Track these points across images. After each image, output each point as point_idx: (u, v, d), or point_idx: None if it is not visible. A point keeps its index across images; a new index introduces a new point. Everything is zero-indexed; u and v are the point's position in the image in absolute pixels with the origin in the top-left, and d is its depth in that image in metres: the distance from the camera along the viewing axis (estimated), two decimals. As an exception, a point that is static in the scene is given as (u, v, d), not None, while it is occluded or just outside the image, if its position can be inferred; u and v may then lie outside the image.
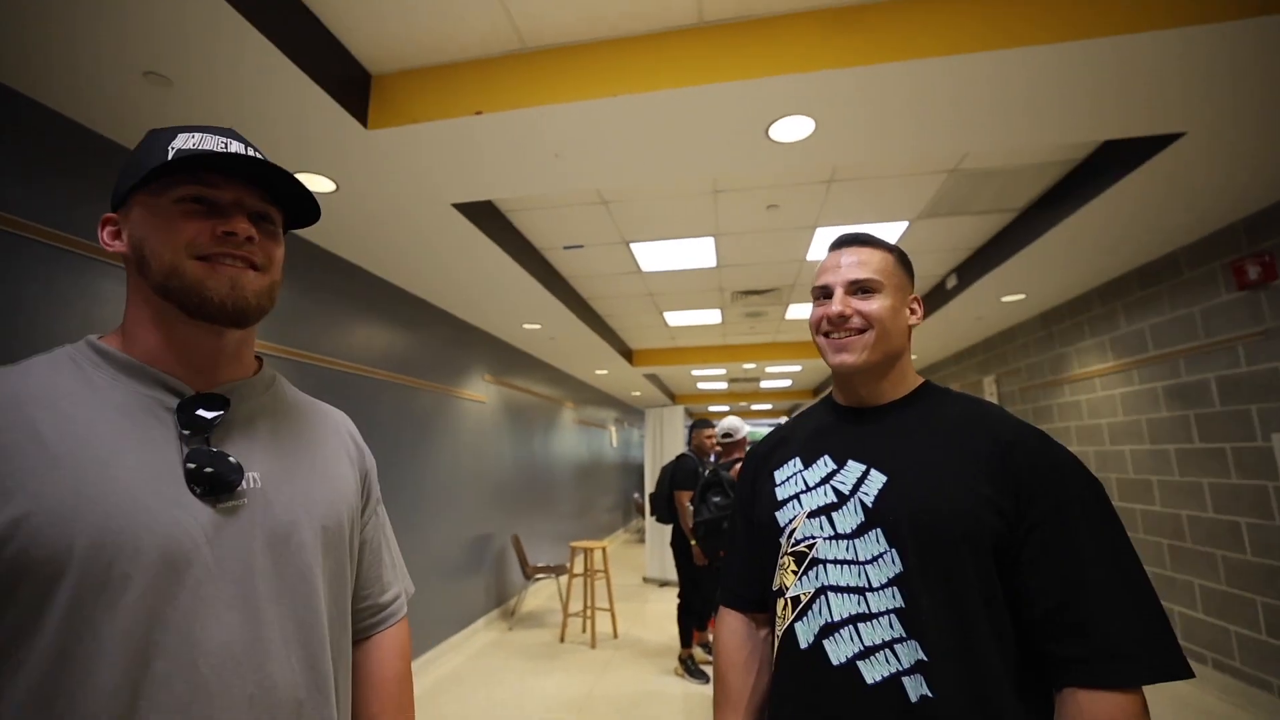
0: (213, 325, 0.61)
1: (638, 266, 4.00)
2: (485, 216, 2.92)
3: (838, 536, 0.78)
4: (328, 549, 0.65)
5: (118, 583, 0.49)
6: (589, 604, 4.31)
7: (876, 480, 0.78)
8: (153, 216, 0.59)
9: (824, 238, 3.50)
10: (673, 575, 5.86)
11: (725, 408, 13.40)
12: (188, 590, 0.53)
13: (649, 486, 6.68)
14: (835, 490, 0.81)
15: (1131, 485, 3.69)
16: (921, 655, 0.69)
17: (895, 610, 0.72)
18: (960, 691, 0.67)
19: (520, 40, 1.87)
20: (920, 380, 0.89)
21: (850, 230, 3.38)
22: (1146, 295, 3.50)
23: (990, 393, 5.49)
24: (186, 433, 0.58)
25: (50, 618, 0.48)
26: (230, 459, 0.59)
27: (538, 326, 4.82)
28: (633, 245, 3.62)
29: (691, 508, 3.56)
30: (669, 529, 4.43)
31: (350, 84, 1.90)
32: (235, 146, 0.62)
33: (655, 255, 3.78)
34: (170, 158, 0.58)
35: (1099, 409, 3.99)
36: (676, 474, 3.83)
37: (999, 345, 5.35)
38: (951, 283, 4.20)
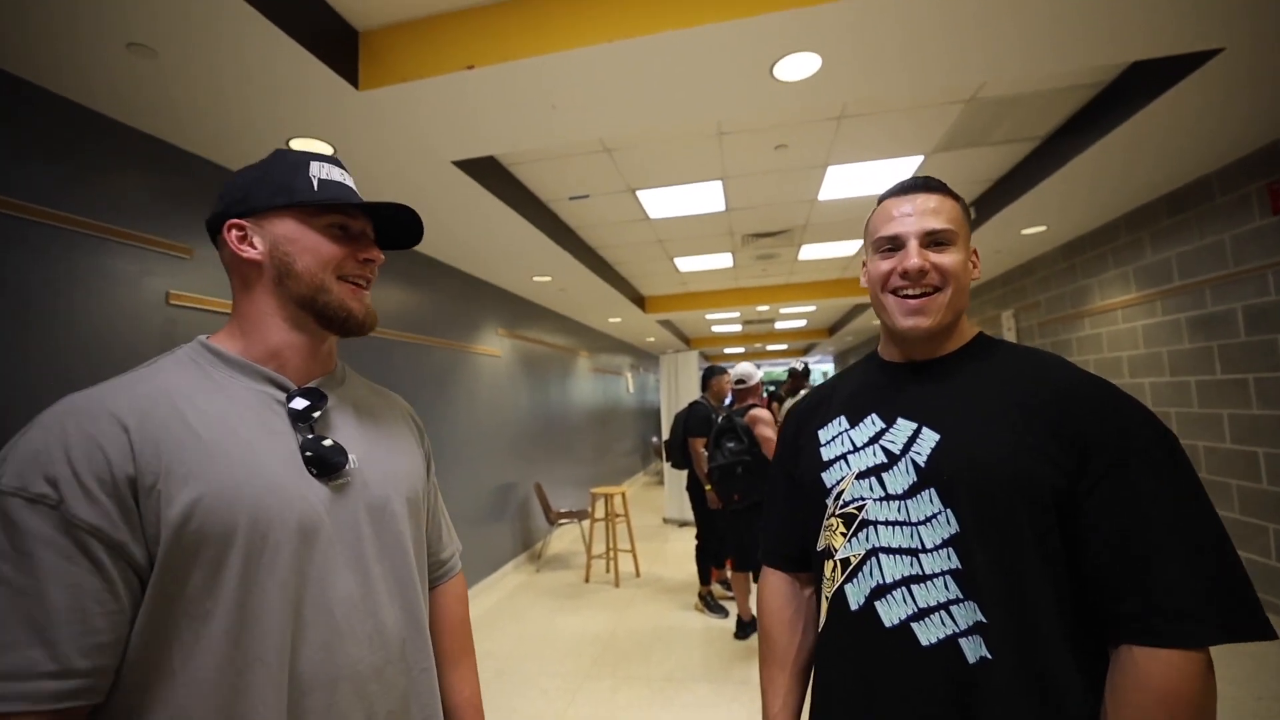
0: (336, 334, 0.73)
1: (645, 214, 3.93)
2: (488, 172, 2.86)
3: (889, 497, 0.75)
4: (412, 516, 0.76)
5: (273, 548, 0.60)
6: (611, 546, 4.49)
7: (929, 439, 0.74)
8: (305, 236, 0.68)
9: (835, 176, 3.39)
10: (691, 516, 6.05)
11: (740, 349, 13.40)
12: (320, 552, 0.64)
13: (665, 432, 6.80)
14: (885, 450, 0.78)
15: (1149, 417, 3.66)
16: (980, 616, 0.67)
17: (951, 571, 0.69)
18: (1017, 652, 0.65)
19: (508, -15, 1.78)
20: (975, 331, 0.83)
21: (862, 165, 3.18)
22: (1175, 223, 3.36)
23: (1008, 328, 5.40)
24: (300, 423, 0.67)
25: (227, 576, 0.58)
26: (336, 444, 0.68)
27: (548, 279, 4.80)
28: (639, 193, 3.54)
29: (705, 453, 3.63)
30: (685, 474, 4.54)
31: (337, 43, 1.83)
32: (349, 179, 0.75)
33: (662, 201, 3.70)
34: (317, 188, 0.69)
35: (1120, 341, 3.91)
36: (690, 420, 3.88)
37: (1017, 279, 5.22)
38: (971, 216, 4.05)
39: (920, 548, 0.72)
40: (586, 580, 4.47)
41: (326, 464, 0.66)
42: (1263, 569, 2.92)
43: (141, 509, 0.55)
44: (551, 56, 1.79)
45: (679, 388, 6.75)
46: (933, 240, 0.77)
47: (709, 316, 8.07)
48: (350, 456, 0.69)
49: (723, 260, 5.30)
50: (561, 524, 5.04)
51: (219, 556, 0.58)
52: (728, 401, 4.00)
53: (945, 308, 0.77)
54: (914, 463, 0.75)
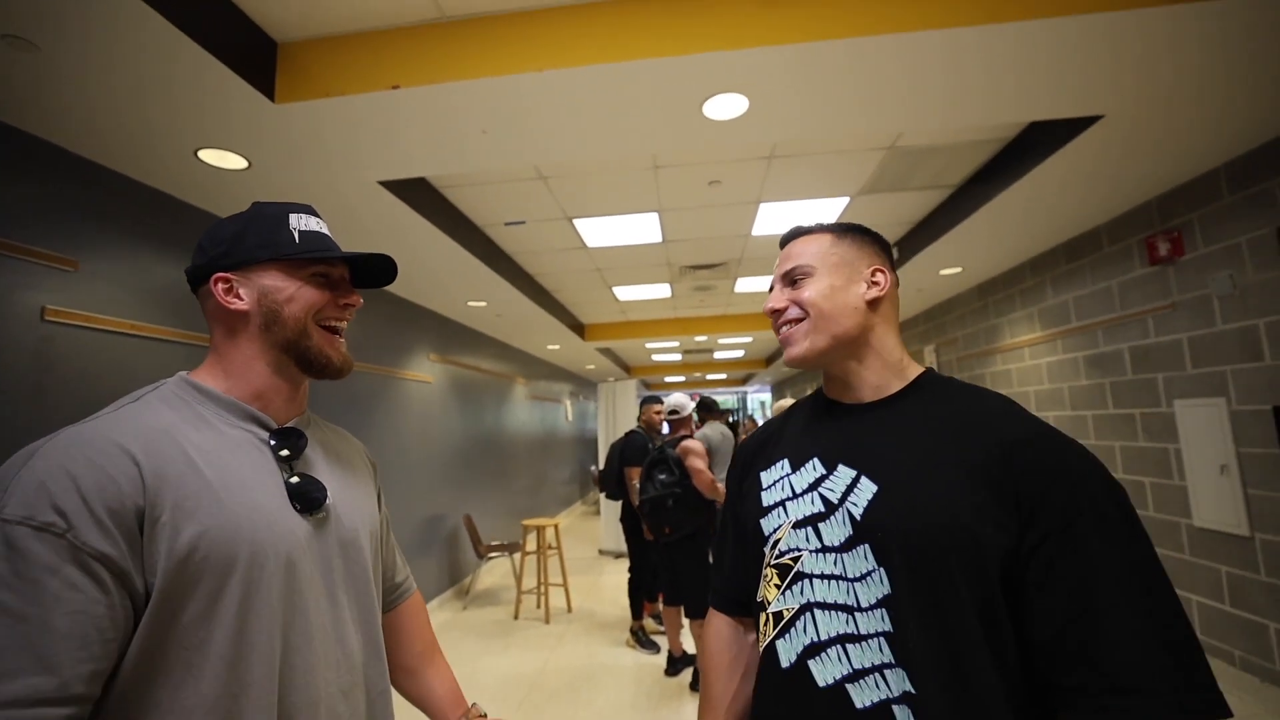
0: (314, 378, 0.77)
1: (583, 242, 3.92)
2: (418, 194, 2.79)
3: (825, 549, 0.71)
4: (373, 549, 0.82)
5: (267, 579, 0.64)
6: (542, 580, 4.34)
7: (867, 489, 0.71)
8: (289, 286, 0.73)
9: (767, 213, 3.51)
10: (626, 548, 5.96)
11: (681, 378, 13.53)
12: (302, 583, 0.68)
13: (603, 459, 6.72)
14: (823, 498, 0.74)
15: (1053, 448, 3.91)
16: (909, 686, 0.63)
17: (884, 634, 0.65)
18: None
19: (438, 8, 1.75)
20: (918, 370, 0.80)
21: (792, 204, 3.30)
22: (1072, 269, 3.66)
23: (930, 361, 5.70)
24: (284, 462, 0.72)
25: (226, 605, 0.61)
26: (317, 482, 0.73)
27: (483, 304, 4.70)
28: (576, 221, 3.53)
29: (638, 485, 3.60)
30: (620, 504, 4.48)
31: (252, 53, 1.75)
32: (325, 227, 0.78)
33: (600, 231, 3.72)
34: (298, 240, 0.73)
35: (1027, 377, 4.19)
36: (626, 450, 3.84)
37: (938, 316, 5.54)
38: (894, 256, 4.28)
39: (856, 605, 0.68)
40: (516, 617, 4.29)
41: (309, 500, 0.71)
42: (1153, 591, 3.14)
43: (145, 540, 0.58)
44: (481, 81, 1.77)
45: (616, 417, 6.71)
46: (790, 280, 0.82)
47: (649, 345, 8.12)
48: (327, 493, 0.74)
49: (661, 290, 5.36)
50: (492, 558, 4.84)
51: (219, 587, 0.61)
52: (665, 431, 3.99)
53: (812, 332, 0.78)
54: (850, 514, 0.71)
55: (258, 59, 1.77)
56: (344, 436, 0.91)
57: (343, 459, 0.84)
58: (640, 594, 3.70)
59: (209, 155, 2.11)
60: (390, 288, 4.11)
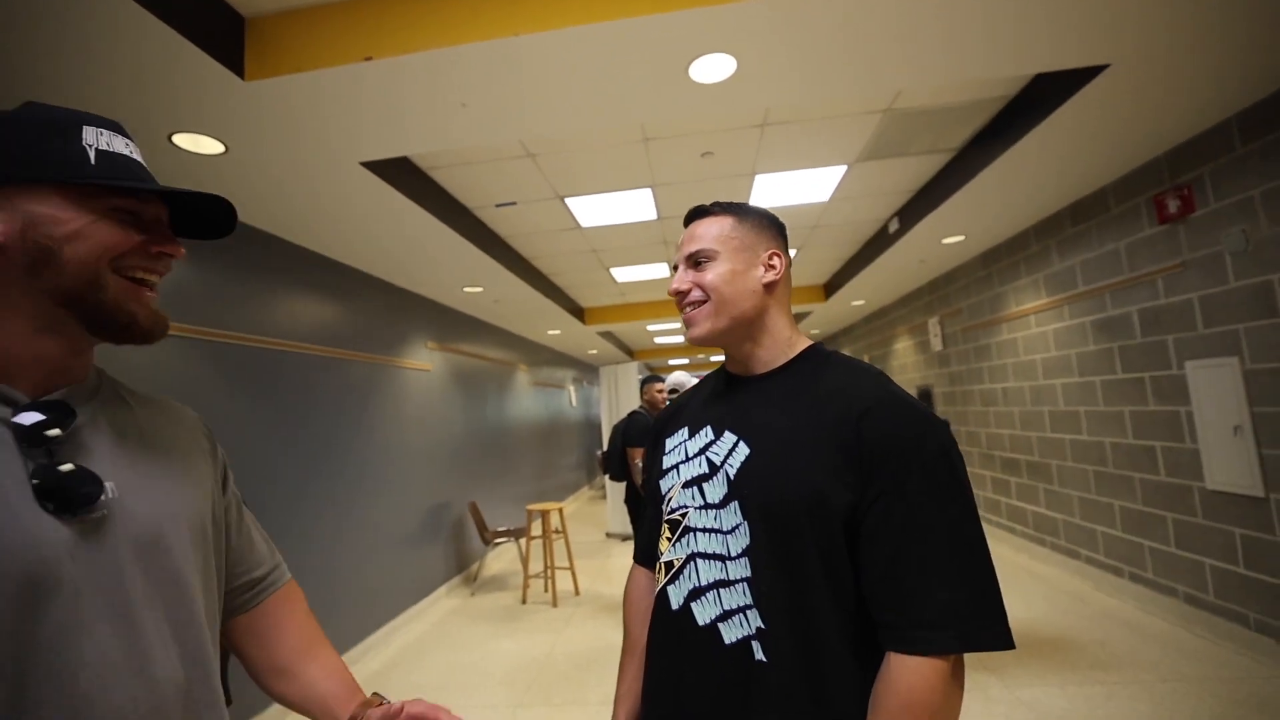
0: (110, 342, 0.59)
1: (576, 222, 3.85)
2: (403, 175, 2.72)
3: (707, 506, 0.81)
4: (196, 546, 0.64)
5: None
6: (549, 564, 4.34)
7: (741, 453, 0.80)
8: (77, 219, 0.55)
9: (763, 185, 3.42)
10: (633, 530, 5.96)
11: (685, 360, 13.48)
12: (57, 610, 0.51)
13: (606, 443, 6.70)
14: (709, 461, 0.83)
15: (1062, 417, 3.86)
16: (760, 623, 0.74)
17: (745, 579, 0.76)
18: (790, 657, 0.72)
19: (408, -26, 1.68)
20: (805, 344, 0.87)
21: (788, 174, 3.23)
22: (1078, 232, 3.57)
23: (935, 334, 5.62)
24: (33, 447, 0.54)
25: None
26: (83, 470, 0.55)
27: (479, 289, 4.65)
28: (568, 200, 3.46)
29: (641, 464, 3.56)
30: (624, 486, 4.46)
31: (218, 28, 1.68)
32: (137, 153, 0.62)
33: (593, 210, 3.64)
34: (94, 160, 0.56)
35: (1034, 345, 4.12)
36: (629, 430, 3.81)
37: (942, 287, 5.45)
38: (893, 227, 4.20)
39: (728, 555, 0.78)
40: (523, 601, 4.29)
41: (70, 497, 0.53)
42: (1164, 555, 3.09)
43: None
44: (456, 49, 1.70)
45: (619, 399, 6.67)
46: (694, 261, 0.86)
47: (650, 327, 8.05)
48: (106, 485, 0.56)
49: (659, 270, 5.28)
50: (498, 544, 4.84)
51: None
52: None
53: (714, 316, 0.84)
54: (727, 474, 0.80)
55: (224, 34, 1.70)
56: (161, 406, 0.72)
57: (151, 436, 0.66)
58: None
59: (183, 140, 2.05)
60: (383, 274, 4.06)
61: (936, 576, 0.68)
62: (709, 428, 0.87)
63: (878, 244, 4.60)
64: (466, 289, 4.60)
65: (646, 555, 1.00)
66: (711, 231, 0.86)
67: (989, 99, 2.62)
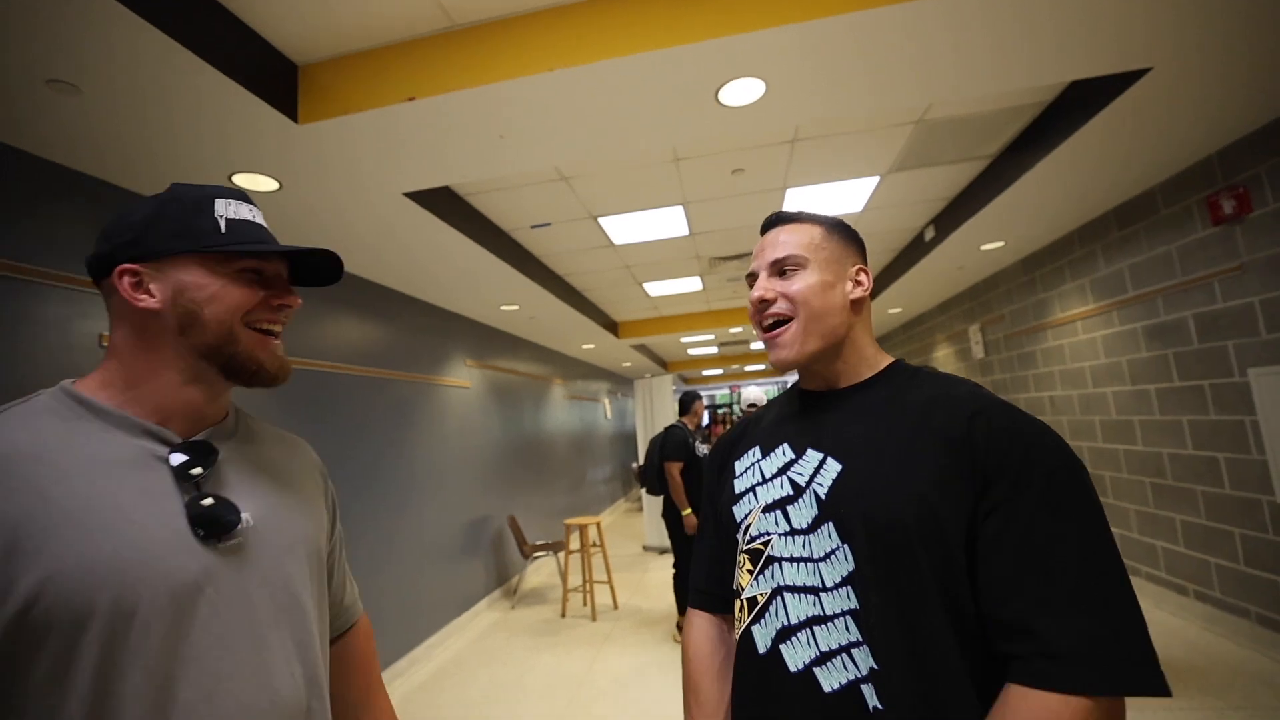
0: (243, 386, 0.67)
1: (609, 240, 3.92)
2: (443, 203, 2.83)
3: (794, 532, 0.72)
4: (312, 574, 0.71)
5: (139, 629, 0.54)
6: (587, 578, 4.37)
7: (831, 470, 0.72)
8: (212, 283, 0.63)
9: (795, 198, 3.42)
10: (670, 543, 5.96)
11: (719, 371, 13.42)
12: (200, 626, 0.58)
13: (642, 456, 6.72)
14: (792, 482, 0.75)
15: (1115, 426, 3.71)
16: (873, 663, 0.64)
17: (850, 612, 0.66)
18: (911, 698, 0.61)
19: (448, 17, 1.77)
20: (888, 360, 0.81)
21: (820, 187, 3.22)
22: (1125, 235, 3.45)
23: (975, 341, 5.47)
24: (184, 481, 0.61)
25: (80, 666, 0.51)
26: (228, 503, 0.63)
27: (515, 307, 4.76)
28: (601, 219, 3.53)
29: (680, 479, 3.58)
30: (661, 499, 4.47)
31: (274, 77, 1.80)
32: (259, 215, 0.70)
33: (626, 227, 3.70)
34: (224, 230, 0.64)
35: (1081, 352, 3.97)
36: (666, 445, 3.82)
37: (983, 293, 5.31)
38: (930, 234, 4.13)
39: (822, 586, 0.69)
40: (563, 615, 4.33)
41: (216, 524, 0.60)
42: (1231, 573, 2.93)
43: None
44: (493, 86, 1.78)
45: (653, 412, 6.70)
46: (779, 269, 0.79)
47: (684, 340, 8.07)
48: (244, 515, 0.64)
49: (692, 284, 5.31)
50: (537, 557, 4.91)
51: (69, 645, 0.51)
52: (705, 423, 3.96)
53: (802, 335, 0.76)
54: (816, 494, 0.72)
55: (280, 82, 1.82)
56: (286, 442, 0.80)
57: (278, 471, 0.73)
58: (685, 589, 3.67)
59: (242, 179, 2.19)
60: (423, 295, 4.20)
61: (1072, 598, 0.57)
62: (786, 445, 0.79)
63: (913, 252, 4.53)
64: (504, 307, 4.72)
65: (709, 596, 0.86)
66: (799, 239, 0.79)
67: (1024, 106, 2.57)
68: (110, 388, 0.63)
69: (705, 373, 13.49)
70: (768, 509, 0.76)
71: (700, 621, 0.87)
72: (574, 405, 8.02)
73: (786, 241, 0.79)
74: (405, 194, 2.49)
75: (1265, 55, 1.98)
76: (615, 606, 4.42)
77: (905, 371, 0.79)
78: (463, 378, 4.72)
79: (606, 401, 9.99)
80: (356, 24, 1.75)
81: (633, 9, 1.71)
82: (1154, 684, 0.55)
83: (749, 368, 13.28)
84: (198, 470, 0.62)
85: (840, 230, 0.82)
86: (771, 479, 0.78)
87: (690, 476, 3.62)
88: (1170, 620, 3.25)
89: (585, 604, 4.43)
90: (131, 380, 0.63)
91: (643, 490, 6.41)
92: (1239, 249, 2.72)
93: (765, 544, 0.75)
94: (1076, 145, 2.58)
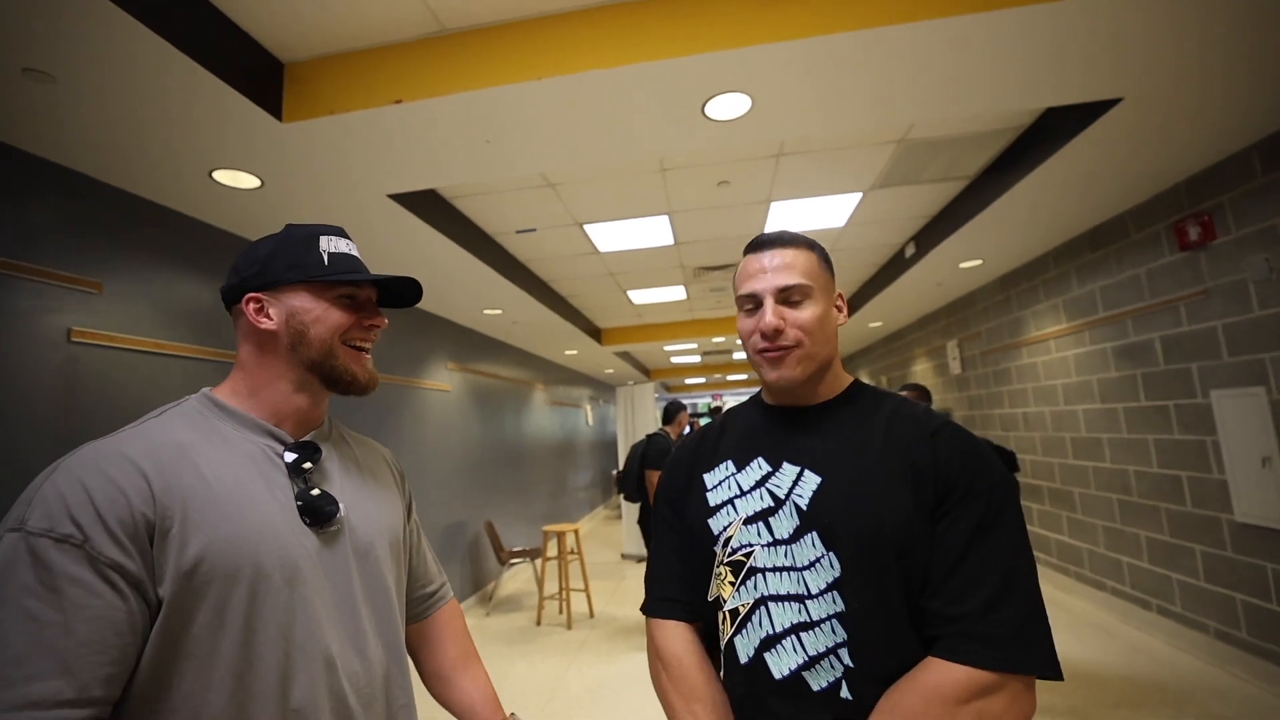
0: (341, 394, 0.79)
1: (594, 247, 3.93)
2: (427, 206, 2.82)
3: (776, 543, 0.75)
4: (394, 559, 0.82)
5: (272, 592, 0.66)
6: (564, 586, 4.35)
7: (811, 482, 0.76)
8: (317, 307, 0.75)
9: (779, 211, 3.47)
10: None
11: (701, 379, 13.47)
12: (311, 594, 0.69)
13: (622, 463, 6.71)
14: (771, 494, 0.78)
15: (1084, 443, 3.80)
16: (849, 659, 0.70)
17: (836, 615, 0.71)
18: (877, 688, 0.69)
19: (438, 22, 1.77)
20: (850, 379, 0.87)
21: (804, 201, 3.26)
22: (1097, 257, 3.55)
23: (953, 356, 5.58)
24: (296, 476, 0.73)
25: (232, 617, 0.63)
26: (329, 495, 0.74)
27: (499, 312, 4.74)
28: (586, 226, 3.54)
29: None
30: (638, 507, 4.46)
31: (260, 75, 1.78)
32: (354, 249, 0.81)
33: (611, 235, 3.71)
34: (327, 262, 0.76)
35: (1054, 370, 4.07)
36: (648, 452, 3.82)
37: (960, 310, 5.41)
38: (910, 251, 4.20)
39: (806, 593, 0.73)
40: (538, 623, 4.30)
41: (319, 514, 0.72)
42: (1192, 589, 3.01)
43: (156, 551, 0.60)
44: (482, 92, 1.78)
45: (635, 420, 6.69)
46: (786, 298, 0.80)
47: (667, 348, 8.09)
48: (340, 506, 0.75)
49: (676, 293, 5.34)
50: (514, 564, 4.86)
51: (224, 598, 0.63)
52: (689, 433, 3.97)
53: (808, 359, 0.80)
54: (796, 505, 0.76)
55: (266, 80, 1.81)
56: (369, 446, 0.92)
57: (363, 469, 0.85)
58: None
59: (223, 176, 2.16)
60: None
61: (992, 594, 0.67)
62: (761, 459, 0.82)
63: (894, 267, 4.60)
64: (486, 311, 4.70)
65: (683, 605, 0.84)
66: (805, 266, 0.80)
67: (1003, 129, 2.64)
68: (238, 395, 0.75)
69: (688, 381, 13.53)
70: (749, 521, 0.78)
71: (673, 628, 0.84)
72: (555, 411, 7.98)
73: (793, 265, 0.80)
74: (390, 195, 2.47)
75: (1229, 92, 2.07)
76: (591, 614, 4.39)
77: (867, 390, 0.86)
78: (443, 381, 4.68)
79: (588, 408, 9.96)
80: (345, 24, 1.74)
81: (624, 20, 1.73)
82: (1051, 669, 0.65)
83: (731, 377, 13.35)
84: (307, 466, 0.74)
85: (825, 256, 0.85)
86: (750, 491, 0.80)
87: None
88: (1134, 635, 3.33)
89: (561, 612, 4.40)
90: (254, 389, 0.75)
91: (621, 497, 6.40)
92: (1204, 274, 2.82)
93: (748, 555, 0.77)
94: (1052, 169, 2.66)
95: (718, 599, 0.79)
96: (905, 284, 4.69)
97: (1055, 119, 2.47)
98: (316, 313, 0.74)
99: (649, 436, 3.93)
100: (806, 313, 0.79)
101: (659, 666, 0.84)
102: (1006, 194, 2.94)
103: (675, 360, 10.02)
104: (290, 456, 0.74)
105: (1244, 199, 2.59)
